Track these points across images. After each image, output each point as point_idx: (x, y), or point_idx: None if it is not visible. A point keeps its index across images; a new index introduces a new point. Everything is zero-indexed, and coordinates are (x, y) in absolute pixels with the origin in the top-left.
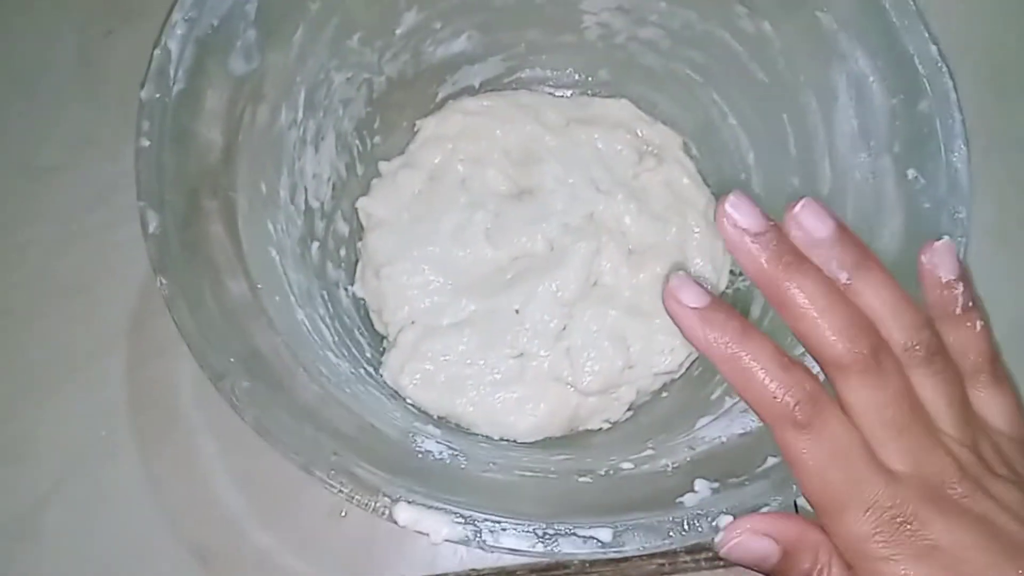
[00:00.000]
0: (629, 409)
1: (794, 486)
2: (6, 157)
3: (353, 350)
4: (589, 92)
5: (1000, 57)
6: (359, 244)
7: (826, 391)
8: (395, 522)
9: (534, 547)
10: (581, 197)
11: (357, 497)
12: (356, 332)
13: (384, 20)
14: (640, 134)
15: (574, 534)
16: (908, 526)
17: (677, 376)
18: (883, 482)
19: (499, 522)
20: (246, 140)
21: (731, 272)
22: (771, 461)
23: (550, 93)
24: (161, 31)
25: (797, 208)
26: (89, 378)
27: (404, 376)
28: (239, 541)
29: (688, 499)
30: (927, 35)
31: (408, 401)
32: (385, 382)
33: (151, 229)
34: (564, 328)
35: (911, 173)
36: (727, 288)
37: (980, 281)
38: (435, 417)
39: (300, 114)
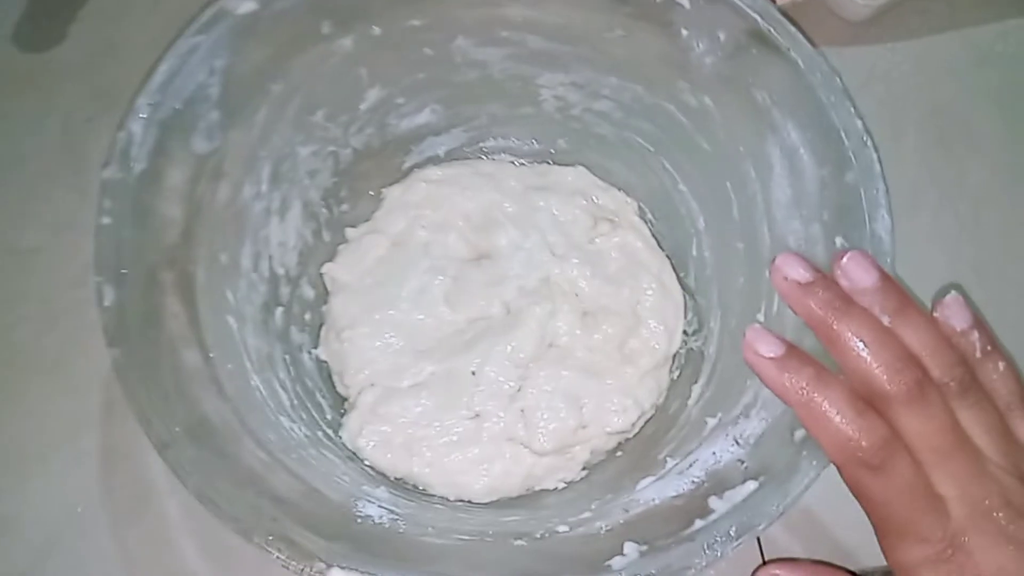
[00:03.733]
0: (584, 468)
1: (718, 550)
2: None
3: (313, 413)
4: (548, 160)
5: (948, 114)
6: (324, 308)
7: (896, 433)
8: None
9: None
10: (537, 261)
11: (293, 563)
12: (318, 395)
13: (348, 97)
14: (595, 200)
15: None
16: (956, 557)
17: (631, 436)
18: (937, 515)
19: None
20: (207, 215)
21: (684, 333)
22: (698, 524)
23: (511, 162)
24: (125, 115)
25: (844, 260)
26: (66, 455)
27: (362, 438)
28: None
29: (616, 562)
30: (853, 110)
31: (366, 463)
32: (344, 444)
33: (106, 302)
34: (519, 389)
35: (839, 241)
36: (680, 348)
37: None
38: (392, 479)
39: (265, 186)
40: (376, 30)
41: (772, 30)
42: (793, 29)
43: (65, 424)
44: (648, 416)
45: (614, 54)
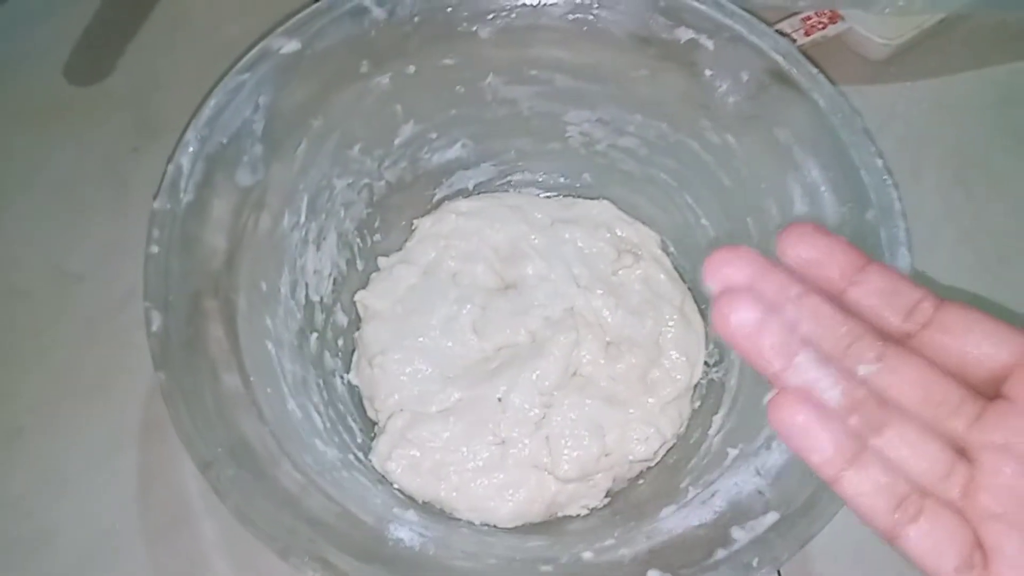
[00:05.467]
0: (606, 495)
1: None
2: (39, 261)
3: (344, 436)
4: (574, 194)
5: (968, 153)
6: (356, 334)
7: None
8: None
9: None
10: (562, 292)
11: None
12: (349, 418)
13: (383, 132)
14: (619, 233)
15: None
16: None
17: (653, 464)
18: None
19: None
20: (249, 244)
21: (705, 364)
22: (720, 554)
23: (537, 195)
24: (175, 148)
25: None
26: (104, 473)
27: (391, 462)
28: None
29: None
30: (873, 149)
31: (395, 486)
32: (373, 467)
33: (154, 328)
34: (544, 416)
35: None
36: (701, 379)
37: None
38: (419, 502)
39: (303, 217)
40: (411, 68)
41: (794, 70)
42: (814, 69)
43: (104, 443)
44: (670, 445)
45: (639, 93)
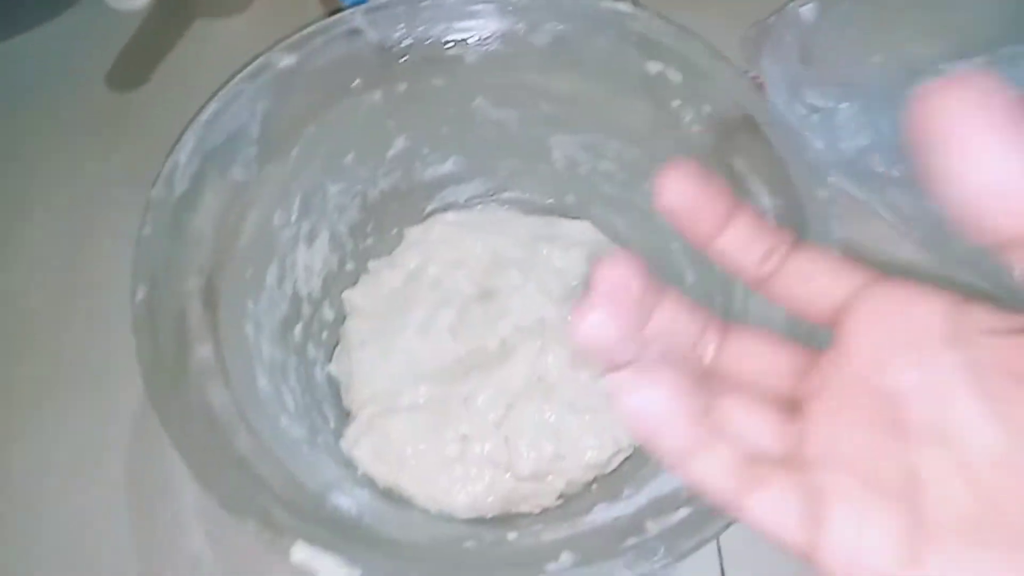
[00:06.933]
0: (560, 497)
1: (644, 567)
2: (55, 263)
3: (318, 420)
4: (559, 214)
5: None
6: (341, 329)
7: None
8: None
9: None
10: (534, 302)
11: (264, 535)
12: (325, 405)
13: (376, 144)
14: (595, 252)
15: None
16: None
17: (608, 471)
18: None
19: (381, 569)
20: (238, 235)
21: None
22: (630, 541)
23: (525, 212)
24: (175, 145)
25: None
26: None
27: (358, 448)
28: None
29: (551, 567)
30: (817, 179)
31: (360, 471)
32: (342, 451)
33: (138, 298)
34: (505, 417)
35: None
36: None
37: None
38: (381, 487)
39: (294, 216)
40: (402, 87)
41: (749, 105)
42: (768, 104)
43: (99, 419)
44: (626, 455)
45: (615, 120)
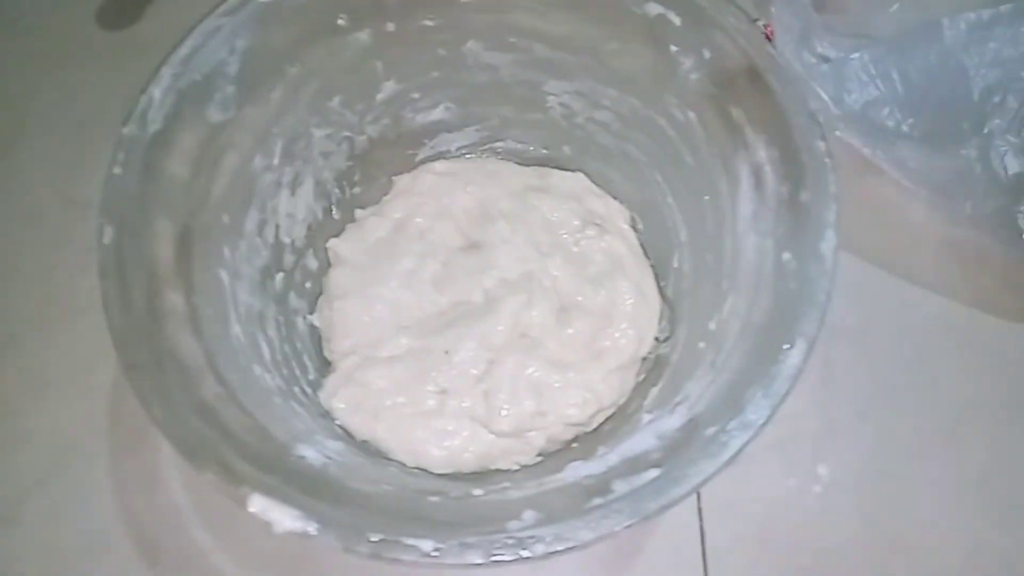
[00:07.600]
0: (539, 454)
1: (606, 527)
2: (51, 190)
3: (296, 371)
4: (553, 165)
5: None
6: (325, 279)
7: None
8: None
9: (358, 547)
10: (522, 255)
11: (223, 485)
12: (305, 356)
13: (364, 87)
14: (588, 206)
15: (398, 541)
16: None
17: (589, 430)
18: None
19: (337, 521)
20: (215, 178)
21: (655, 339)
22: (595, 501)
23: (518, 163)
24: (148, 80)
25: None
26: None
27: (336, 399)
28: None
29: (512, 524)
30: (818, 132)
31: (337, 422)
32: (319, 403)
33: (105, 240)
34: (487, 371)
35: (786, 256)
36: (650, 353)
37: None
38: (358, 440)
39: (276, 160)
40: (391, 26)
41: (751, 50)
42: (772, 51)
43: (85, 359)
44: (608, 413)
45: (612, 66)
